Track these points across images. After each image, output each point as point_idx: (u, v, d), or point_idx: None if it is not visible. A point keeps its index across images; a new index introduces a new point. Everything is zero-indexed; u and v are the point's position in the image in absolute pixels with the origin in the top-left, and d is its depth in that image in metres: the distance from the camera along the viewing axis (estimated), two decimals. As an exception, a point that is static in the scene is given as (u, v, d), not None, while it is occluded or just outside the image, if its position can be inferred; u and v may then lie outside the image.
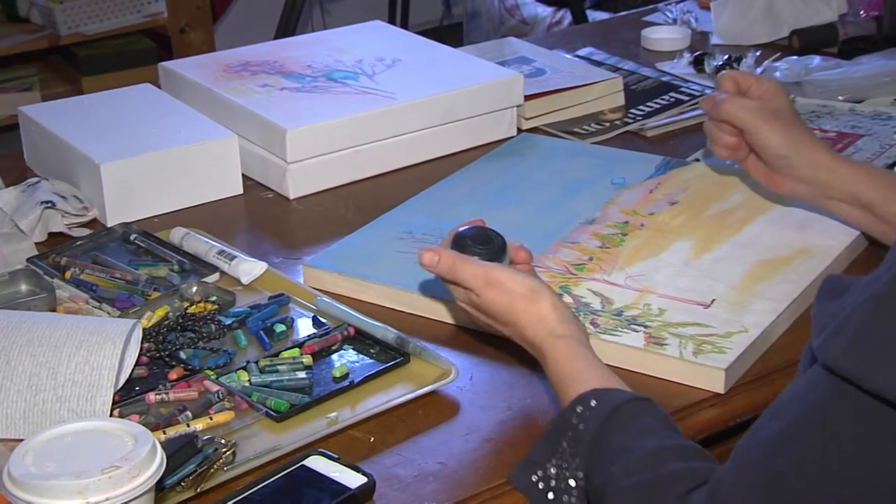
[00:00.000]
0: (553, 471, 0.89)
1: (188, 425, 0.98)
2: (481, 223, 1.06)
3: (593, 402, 0.89)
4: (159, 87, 1.63)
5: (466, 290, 1.02)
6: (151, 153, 1.40)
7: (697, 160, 1.48)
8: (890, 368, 0.70)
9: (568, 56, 1.82)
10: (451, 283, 1.03)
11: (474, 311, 1.03)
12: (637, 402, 0.90)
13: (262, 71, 1.60)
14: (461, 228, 1.05)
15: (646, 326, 1.09)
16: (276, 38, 3.07)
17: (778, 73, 1.71)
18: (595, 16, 3.61)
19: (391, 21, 3.89)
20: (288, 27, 3.05)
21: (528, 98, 1.59)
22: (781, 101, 1.23)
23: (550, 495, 0.89)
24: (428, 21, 4.47)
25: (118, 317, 1.15)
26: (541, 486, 0.90)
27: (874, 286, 0.73)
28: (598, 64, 1.80)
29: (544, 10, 3.83)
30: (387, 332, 1.10)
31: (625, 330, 1.09)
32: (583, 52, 1.88)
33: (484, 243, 1.03)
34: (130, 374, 1.04)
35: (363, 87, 1.54)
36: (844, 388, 0.72)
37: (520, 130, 1.60)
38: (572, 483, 0.88)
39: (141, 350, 1.07)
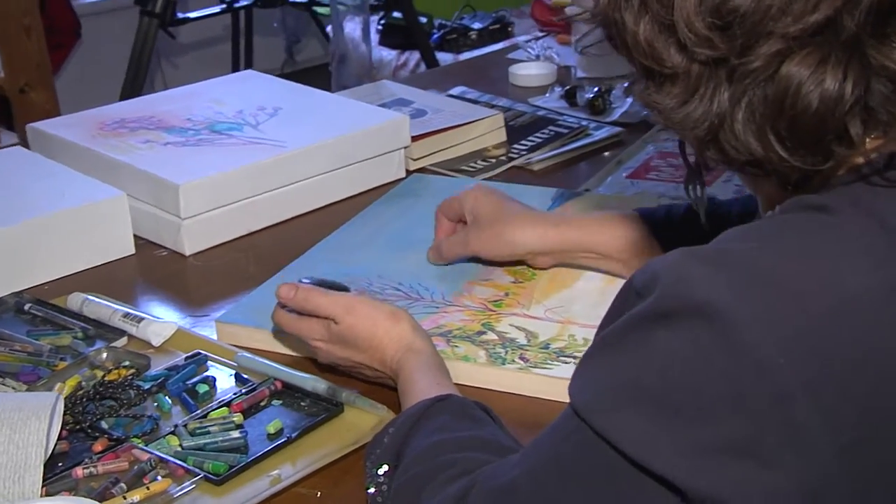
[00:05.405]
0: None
1: (125, 497, 0.94)
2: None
3: (400, 420, 0.93)
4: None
5: (323, 320, 1.06)
6: (35, 218, 1.34)
7: (587, 190, 1.51)
8: (608, 413, 0.72)
9: (444, 96, 1.83)
10: (307, 314, 1.07)
11: (327, 344, 1.07)
12: (436, 405, 0.94)
13: (141, 127, 1.55)
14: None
15: (574, 357, 1.10)
16: (122, 94, 3.01)
17: (649, 102, 1.76)
18: (439, 57, 3.66)
19: (234, 70, 3.86)
20: (136, 83, 2.98)
21: (414, 139, 1.59)
22: (483, 204, 1.25)
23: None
24: (270, 69, 4.45)
25: (25, 391, 1.09)
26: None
27: (605, 330, 0.75)
28: (474, 102, 1.81)
29: (389, 54, 3.86)
30: (317, 384, 1.07)
31: (555, 362, 1.09)
32: (455, 91, 1.90)
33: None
34: (52, 451, 0.99)
35: (249, 138, 1.51)
36: (577, 419, 0.74)
37: (408, 172, 1.60)
38: (371, 490, 0.91)
39: (59, 424, 1.02)
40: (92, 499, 0.94)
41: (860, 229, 0.70)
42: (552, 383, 1.07)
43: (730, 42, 0.71)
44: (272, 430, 1.03)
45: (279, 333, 1.15)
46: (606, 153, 1.67)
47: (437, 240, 1.30)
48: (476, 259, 1.28)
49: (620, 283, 1.21)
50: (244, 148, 1.48)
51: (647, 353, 0.71)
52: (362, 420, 1.04)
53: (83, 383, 1.11)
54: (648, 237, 1.21)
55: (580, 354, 1.08)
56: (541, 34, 2.27)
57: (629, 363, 0.72)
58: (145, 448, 1.00)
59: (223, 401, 1.07)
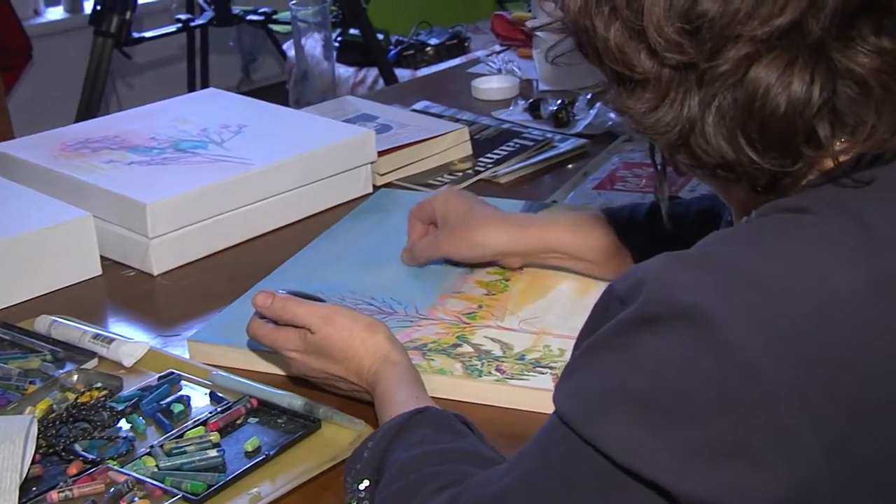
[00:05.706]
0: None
1: (103, 520, 0.93)
2: None
3: (379, 434, 0.93)
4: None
5: (300, 330, 1.05)
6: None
7: (555, 201, 1.51)
8: (594, 420, 0.71)
9: (408, 111, 1.83)
10: (283, 324, 1.06)
11: (302, 355, 1.06)
12: (415, 417, 0.93)
13: (105, 147, 1.54)
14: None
15: (551, 368, 1.10)
16: (78, 115, 2.98)
17: (612, 114, 1.78)
18: (397, 73, 3.66)
19: (191, 89, 3.84)
20: (91, 104, 2.95)
21: (380, 154, 1.59)
22: (454, 207, 1.27)
23: None
24: (227, 88, 4.43)
25: (-4, 415, 1.08)
26: None
27: (589, 337, 0.75)
28: (438, 116, 1.81)
29: (346, 71, 3.85)
30: (293, 400, 1.07)
31: (531, 373, 1.09)
32: (418, 106, 1.90)
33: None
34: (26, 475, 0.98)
35: (215, 156, 1.50)
36: (563, 427, 0.74)
37: (375, 187, 1.59)
38: None
39: (33, 447, 1.00)
40: (69, 523, 0.93)
41: (839, 229, 0.71)
42: (529, 394, 1.07)
43: (699, 46, 0.72)
44: (250, 448, 1.02)
45: (253, 346, 1.14)
46: (571, 165, 1.67)
47: (409, 242, 1.32)
48: (448, 261, 1.29)
49: (594, 292, 1.23)
50: (210, 166, 1.47)
51: (634, 357, 0.71)
52: (340, 435, 1.03)
53: (54, 406, 1.09)
54: (615, 238, 1.22)
55: (556, 365, 1.10)
56: (501, 48, 2.27)
57: (615, 368, 0.71)
58: (121, 470, 0.99)
59: (199, 420, 1.06)
